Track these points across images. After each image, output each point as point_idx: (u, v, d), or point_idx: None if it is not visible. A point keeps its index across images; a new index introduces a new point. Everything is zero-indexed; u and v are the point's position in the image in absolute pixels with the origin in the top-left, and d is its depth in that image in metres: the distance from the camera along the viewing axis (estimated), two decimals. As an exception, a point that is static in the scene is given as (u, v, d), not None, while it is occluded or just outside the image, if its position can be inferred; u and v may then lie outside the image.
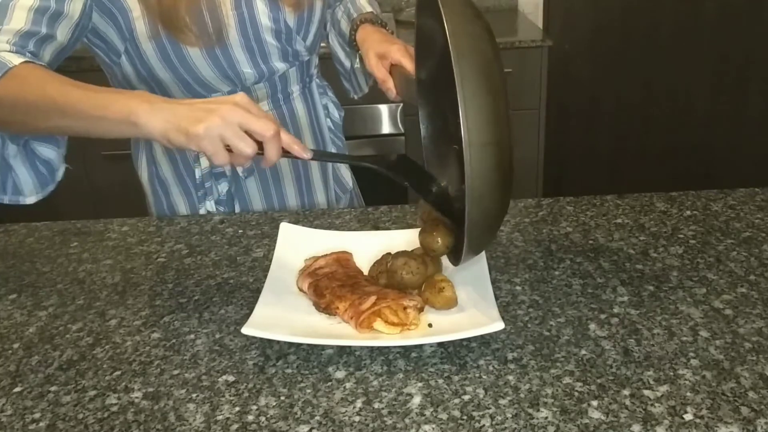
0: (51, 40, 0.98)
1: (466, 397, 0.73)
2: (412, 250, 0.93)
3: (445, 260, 0.96)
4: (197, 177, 1.22)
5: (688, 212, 1.11)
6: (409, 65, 1.10)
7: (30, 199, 1.01)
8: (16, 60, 0.90)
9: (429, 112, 1.02)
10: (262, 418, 0.72)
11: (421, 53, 1.00)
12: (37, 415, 0.75)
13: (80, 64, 2.46)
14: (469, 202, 0.73)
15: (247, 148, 0.83)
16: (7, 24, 0.95)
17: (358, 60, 1.32)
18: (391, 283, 0.90)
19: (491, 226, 0.80)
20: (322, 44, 1.31)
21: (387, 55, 1.16)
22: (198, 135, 0.82)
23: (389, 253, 0.94)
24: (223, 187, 1.23)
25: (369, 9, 1.32)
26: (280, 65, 1.18)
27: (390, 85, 1.15)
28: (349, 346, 0.81)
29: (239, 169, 1.22)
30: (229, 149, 0.83)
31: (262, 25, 1.13)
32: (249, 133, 0.83)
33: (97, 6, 1.04)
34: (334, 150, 1.37)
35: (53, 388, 0.79)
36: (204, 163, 1.21)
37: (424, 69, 1.01)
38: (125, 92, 0.89)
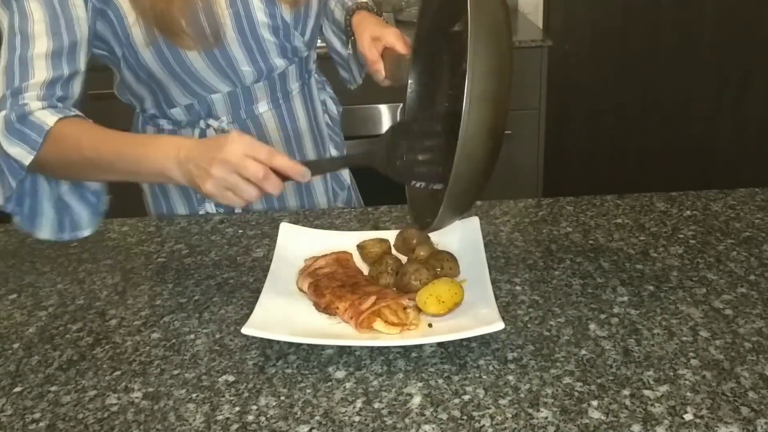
0: (76, 75, 1.02)
1: (466, 397, 0.73)
2: (427, 259, 0.93)
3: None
4: None
5: (688, 212, 1.11)
6: (402, 49, 1.10)
7: (86, 232, 1.06)
8: (50, 119, 0.95)
9: (420, 73, 1.02)
10: (262, 418, 0.72)
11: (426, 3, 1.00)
12: (37, 415, 0.75)
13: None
14: (459, 153, 0.73)
15: (249, 195, 0.87)
16: (31, 78, 0.97)
17: (350, 44, 1.32)
18: (398, 283, 0.90)
19: (473, 188, 0.80)
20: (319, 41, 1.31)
21: (381, 37, 1.16)
22: (208, 193, 0.88)
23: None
24: None
25: None
26: (279, 62, 1.18)
27: (379, 67, 1.15)
28: (349, 346, 0.81)
29: None
30: None
31: (259, 22, 1.12)
32: None
33: (97, 13, 1.04)
34: (332, 146, 1.37)
35: (53, 388, 0.79)
36: None
37: (426, 22, 1.01)
38: (152, 144, 0.95)
